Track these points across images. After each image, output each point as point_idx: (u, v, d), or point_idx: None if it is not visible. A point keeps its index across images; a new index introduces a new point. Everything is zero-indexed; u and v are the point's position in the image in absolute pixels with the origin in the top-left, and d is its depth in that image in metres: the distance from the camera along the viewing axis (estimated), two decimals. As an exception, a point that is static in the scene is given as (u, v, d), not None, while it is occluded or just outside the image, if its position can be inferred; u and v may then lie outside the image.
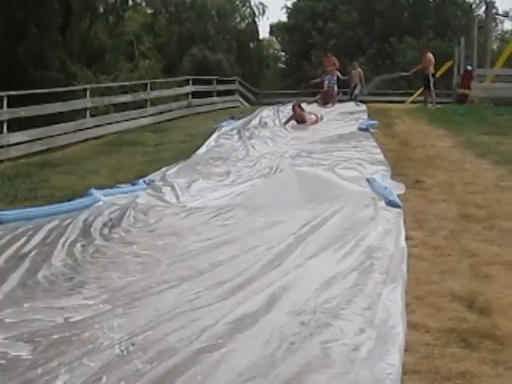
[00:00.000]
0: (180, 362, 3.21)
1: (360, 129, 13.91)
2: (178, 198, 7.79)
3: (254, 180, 8.82)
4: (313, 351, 3.39)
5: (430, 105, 20.92)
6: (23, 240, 5.64)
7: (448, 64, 25.35)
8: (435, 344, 3.69)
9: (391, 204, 6.86)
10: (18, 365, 3.27)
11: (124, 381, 3.04)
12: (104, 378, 3.06)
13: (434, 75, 21.36)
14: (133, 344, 3.46)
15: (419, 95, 24.88)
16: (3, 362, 3.29)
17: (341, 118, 16.33)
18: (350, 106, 19.14)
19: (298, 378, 3.10)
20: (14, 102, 12.94)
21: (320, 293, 4.25)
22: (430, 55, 21.41)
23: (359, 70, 25.06)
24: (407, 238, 5.72)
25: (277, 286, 4.33)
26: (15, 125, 13.17)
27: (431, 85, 21.01)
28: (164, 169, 9.76)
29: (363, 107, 18.74)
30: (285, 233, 5.78)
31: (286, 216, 6.50)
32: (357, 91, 24.30)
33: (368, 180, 7.99)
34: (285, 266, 4.86)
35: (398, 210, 6.69)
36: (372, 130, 13.70)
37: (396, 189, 7.68)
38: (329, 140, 12.49)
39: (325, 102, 20.08)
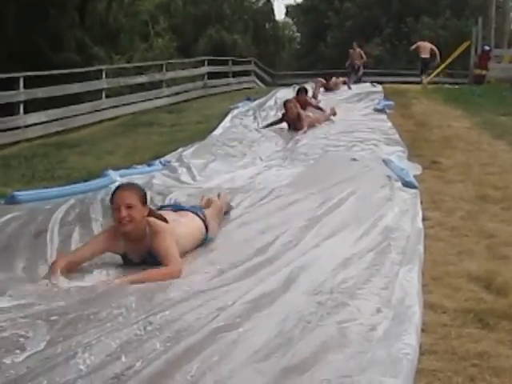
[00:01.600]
0: (197, 342, 3.21)
1: (376, 110, 13.87)
2: (193, 178, 7.80)
3: (269, 161, 8.81)
4: (329, 331, 3.39)
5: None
6: (41, 220, 5.67)
7: (465, 44, 25.16)
8: (452, 324, 3.69)
9: (408, 185, 6.84)
10: (35, 344, 3.29)
11: (141, 360, 3.05)
12: (122, 357, 3.06)
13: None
14: (150, 323, 3.46)
15: (436, 76, 24.73)
16: (21, 339, 3.30)
17: (357, 99, 16.25)
18: (366, 86, 19.04)
19: (314, 357, 3.10)
20: (30, 83, 12.97)
21: (337, 273, 4.26)
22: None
23: (358, 50, 24.54)
24: (424, 219, 5.71)
25: (294, 266, 4.33)
26: (31, 106, 13.19)
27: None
28: (180, 150, 9.77)
29: (379, 88, 18.64)
30: (301, 214, 5.77)
31: (301, 197, 6.50)
32: (360, 73, 24.07)
33: (384, 161, 7.96)
34: (301, 246, 4.86)
35: (414, 190, 6.67)
36: (388, 111, 13.64)
37: (412, 170, 7.66)
38: (344, 121, 12.45)
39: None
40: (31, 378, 2.86)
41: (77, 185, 7.15)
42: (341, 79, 19.39)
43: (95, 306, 3.76)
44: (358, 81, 22.69)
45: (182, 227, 4.87)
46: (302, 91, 13.12)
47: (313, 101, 13.97)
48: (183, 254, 4.73)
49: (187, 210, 5.27)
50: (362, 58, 24.34)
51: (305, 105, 12.51)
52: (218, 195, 6.09)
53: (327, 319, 3.53)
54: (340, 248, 4.83)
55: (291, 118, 11.28)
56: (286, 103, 11.54)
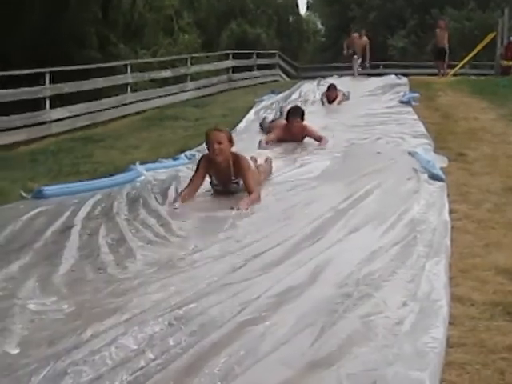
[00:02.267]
0: (223, 335, 3.22)
1: (401, 102, 13.79)
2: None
3: (294, 154, 8.80)
4: (355, 324, 3.38)
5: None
6: (68, 214, 5.70)
7: (490, 35, 24.91)
8: (480, 317, 3.66)
9: (434, 177, 6.80)
10: (63, 334, 3.32)
11: (167, 353, 3.06)
12: (148, 352, 3.08)
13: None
14: (175, 317, 3.48)
15: (461, 67, 24.54)
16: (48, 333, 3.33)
17: (381, 92, 16.17)
18: (391, 79, 18.93)
19: (340, 350, 3.10)
20: (55, 79, 13.04)
21: (363, 266, 4.24)
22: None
23: (365, 39, 23.37)
24: (450, 212, 5.67)
25: (319, 259, 4.33)
26: (57, 101, 13.27)
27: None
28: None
29: (404, 80, 18.53)
30: (326, 207, 5.75)
31: (327, 190, 6.49)
32: (367, 64, 23.50)
33: (410, 153, 7.91)
34: (327, 239, 4.85)
35: (441, 183, 6.63)
36: (413, 103, 13.56)
37: (439, 162, 7.60)
38: (369, 114, 12.40)
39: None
40: (57, 371, 2.88)
41: (103, 179, 7.18)
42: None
43: (121, 299, 3.78)
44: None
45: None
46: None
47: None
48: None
49: None
50: (365, 49, 23.19)
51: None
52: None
53: (353, 312, 3.53)
54: (366, 241, 4.82)
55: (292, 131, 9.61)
56: (289, 112, 9.84)
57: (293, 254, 4.53)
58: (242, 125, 11.99)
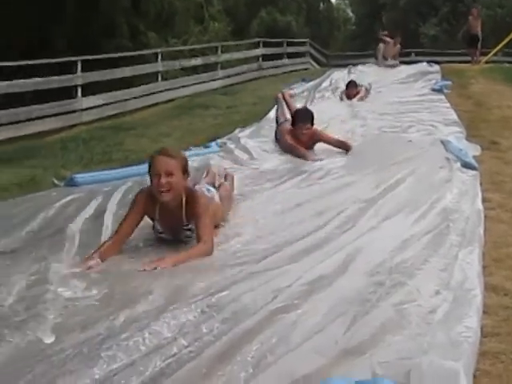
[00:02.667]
0: (256, 323, 3.21)
1: (433, 90, 13.68)
2: (250, 159, 7.80)
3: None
4: (388, 312, 3.37)
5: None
6: (100, 201, 5.73)
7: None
8: (514, 307, 3.63)
9: (467, 166, 6.74)
10: (96, 320, 3.34)
11: (199, 341, 3.06)
12: (181, 339, 3.08)
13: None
14: (208, 305, 3.48)
15: (494, 55, 24.26)
16: (82, 318, 3.35)
17: (413, 79, 16.04)
18: (423, 66, 18.77)
19: (373, 338, 3.08)
20: (86, 68, 13.10)
21: (395, 254, 4.22)
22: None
23: (398, 46, 21.24)
24: (484, 201, 5.62)
25: (351, 247, 4.31)
26: (89, 89, 13.33)
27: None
28: (236, 131, 9.77)
29: (436, 68, 18.36)
30: (357, 195, 5.74)
31: (357, 178, 6.46)
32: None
33: (442, 142, 7.85)
34: (358, 227, 4.83)
35: (474, 171, 6.57)
36: (445, 91, 13.44)
37: (471, 150, 7.55)
38: (400, 102, 12.32)
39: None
40: (91, 357, 2.90)
41: (134, 167, 7.20)
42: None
43: (153, 286, 3.79)
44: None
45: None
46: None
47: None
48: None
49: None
50: (396, 55, 21.24)
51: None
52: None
53: (386, 300, 3.51)
54: (397, 229, 4.79)
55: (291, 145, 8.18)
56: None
57: (323, 242, 4.51)
58: (272, 113, 11.94)
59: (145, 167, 7.01)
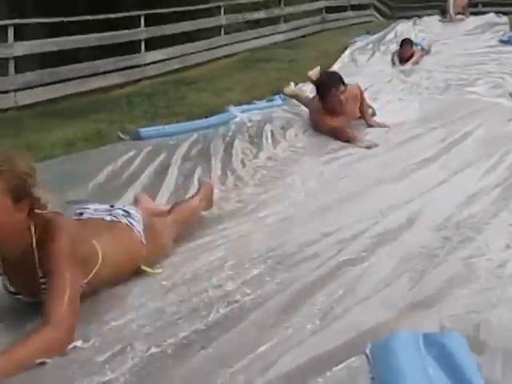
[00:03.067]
0: (321, 275, 3.21)
1: (501, 41, 13.33)
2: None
3: (390, 95, 8.65)
4: (456, 266, 3.32)
5: None
6: (165, 155, 5.76)
7: None
8: None
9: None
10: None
11: (264, 290, 3.07)
12: (244, 288, 3.10)
13: None
14: (273, 256, 3.49)
15: None
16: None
17: (480, 31, 15.64)
18: (490, 17, 18.27)
19: (441, 292, 3.05)
20: (150, 22, 13.12)
21: (462, 208, 4.16)
22: None
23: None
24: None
25: (417, 201, 4.26)
26: (152, 44, 13.36)
27: None
28: (300, 85, 9.69)
29: (504, 19, 17.86)
30: (424, 148, 5.67)
31: (424, 131, 6.37)
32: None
33: (511, 94, 7.67)
34: (425, 181, 4.77)
35: (543, 124, 6.42)
36: (514, 43, 13.09)
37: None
38: (467, 53, 12.05)
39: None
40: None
41: (198, 121, 7.22)
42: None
43: (217, 236, 3.81)
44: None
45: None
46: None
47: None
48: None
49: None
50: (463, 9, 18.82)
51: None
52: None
53: (454, 254, 3.46)
54: (465, 183, 4.71)
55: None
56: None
57: (389, 196, 4.47)
58: (335, 67, 11.81)
59: (208, 120, 7.13)
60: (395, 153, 5.73)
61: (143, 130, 6.61)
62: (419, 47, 11.89)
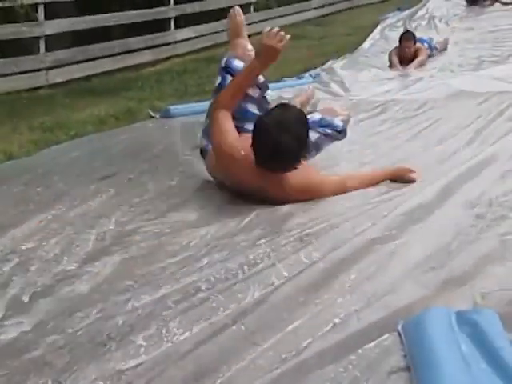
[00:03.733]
0: (353, 252, 3.20)
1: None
2: (345, 91, 7.69)
3: (421, 73, 8.57)
4: (490, 243, 3.30)
5: None
6: (196, 133, 5.74)
7: None
8: None
9: None
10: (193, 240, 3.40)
11: (297, 268, 3.07)
12: (278, 266, 3.10)
13: None
14: (305, 233, 3.49)
15: None
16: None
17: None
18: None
19: (474, 269, 3.03)
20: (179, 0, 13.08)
21: (496, 185, 4.11)
22: None
23: None
24: None
25: (450, 178, 4.21)
26: (181, 22, 13.33)
27: None
28: (330, 62, 9.65)
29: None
30: (457, 125, 5.61)
31: (457, 108, 6.30)
32: None
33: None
34: (458, 158, 4.73)
35: None
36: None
37: None
38: (500, 29, 11.89)
39: None
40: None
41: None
42: None
43: (249, 212, 3.82)
44: None
45: None
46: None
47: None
48: None
49: None
50: None
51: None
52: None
53: (487, 232, 3.44)
54: (499, 160, 4.64)
55: None
56: None
57: (422, 172, 4.43)
58: (366, 44, 11.71)
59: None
60: (428, 130, 5.68)
61: (173, 108, 6.62)
62: (425, 44, 9.53)
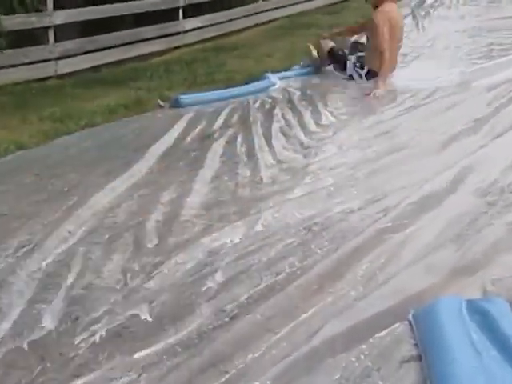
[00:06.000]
0: (364, 242, 3.22)
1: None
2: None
3: (432, 60, 8.53)
4: (501, 231, 3.31)
5: None
6: (205, 123, 5.76)
7: None
8: None
9: None
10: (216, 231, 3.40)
11: (309, 258, 3.08)
12: (289, 257, 3.11)
13: None
14: (316, 224, 3.49)
15: None
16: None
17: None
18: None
19: (485, 257, 3.05)
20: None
21: (507, 173, 4.12)
22: None
23: None
24: None
25: (461, 165, 4.21)
26: (189, 11, 13.31)
27: None
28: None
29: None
30: (467, 113, 5.59)
31: (468, 96, 6.28)
32: None
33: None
34: (469, 145, 4.72)
35: None
36: None
37: None
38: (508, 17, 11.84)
39: None
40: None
41: (237, 88, 7.19)
42: None
43: (260, 204, 3.82)
44: None
45: None
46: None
47: None
48: None
49: None
50: None
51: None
52: None
53: (498, 219, 3.45)
54: (510, 148, 4.63)
55: None
56: None
57: (432, 161, 4.42)
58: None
59: (247, 87, 7.09)
60: (440, 118, 5.66)
61: (182, 97, 6.61)
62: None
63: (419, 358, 2.32)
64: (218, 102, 6.55)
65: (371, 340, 2.43)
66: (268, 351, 2.38)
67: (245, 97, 6.73)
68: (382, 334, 2.46)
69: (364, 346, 2.39)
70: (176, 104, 6.53)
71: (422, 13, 13.22)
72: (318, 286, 2.81)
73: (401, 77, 7.49)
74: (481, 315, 2.46)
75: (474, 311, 2.49)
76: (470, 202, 3.69)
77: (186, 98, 6.63)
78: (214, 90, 7.22)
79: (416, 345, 2.39)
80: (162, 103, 6.70)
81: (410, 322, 2.52)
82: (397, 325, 2.51)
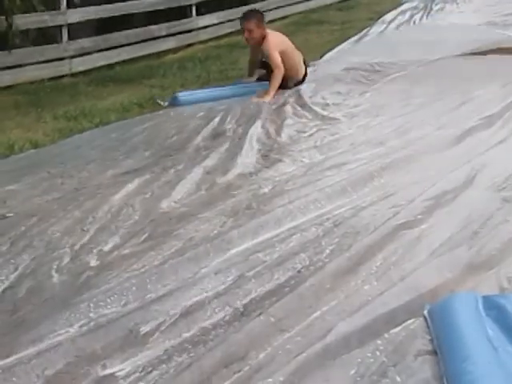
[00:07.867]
0: (378, 238, 3.21)
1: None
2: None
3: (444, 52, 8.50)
4: (516, 227, 3.29)
5: None
6: (217, 120, 5.75)
7: None
8: None
9: None
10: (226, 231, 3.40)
11: (322, 255, 3.08)
12: (302, 254, 3.10)
13: None
14: (329, 220, 3.48)
15: None
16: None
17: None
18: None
19: (501, 254, 3.03)
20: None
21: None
22: None
23: None
24: None
25: (476, 161, 4.19)
26: (203, 8, 13.31)
27: None
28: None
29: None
30: (482, 107, 5.56)
31: (480, 92, 6.25)
32: None
33: None
34: (483, 141, 4.70)
35: None
36: None
37: None
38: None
39: None
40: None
41: (237, 85, 7.12)
42: None
43: (272, 201, 3.82)
44: None
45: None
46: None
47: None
48: None
49: None
50: None
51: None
52: None
53: (513, 215, 3.42)
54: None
55: None
56: None
57: (446, 157, 4.41)
58: (390, 27, 11.64)
59: (251, 85, 7.04)
60: (452, 113, 5.63)
61: (181, 95, 6.58)
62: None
63: (434, 353, 2.31)
64: (218, 100, 6.48)
65: (386, 335, 2.42)
66: (282, 349, 2.37)
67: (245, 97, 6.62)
68: (397, 329, 2.45)
69: (379, 342, 2.38)
70: (175, 102, 6.51)
71: (436, 7, 13.21)
72: (332, 282, 2.80)
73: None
74: (497, 311, 2.44)
75: (489, 307, 2.47)
76: (485, 198, 3.68)
77: (184, 95, 6.59)
78: (213, 86, 7.23)
79: (431, 340, 2.38)
80: (160, 102, 6.69)
81: (425, 318, 2.51)
82: (412, 320, 2.50)
